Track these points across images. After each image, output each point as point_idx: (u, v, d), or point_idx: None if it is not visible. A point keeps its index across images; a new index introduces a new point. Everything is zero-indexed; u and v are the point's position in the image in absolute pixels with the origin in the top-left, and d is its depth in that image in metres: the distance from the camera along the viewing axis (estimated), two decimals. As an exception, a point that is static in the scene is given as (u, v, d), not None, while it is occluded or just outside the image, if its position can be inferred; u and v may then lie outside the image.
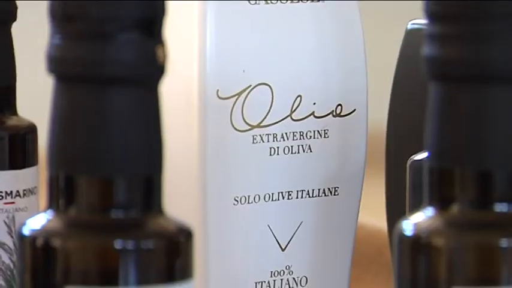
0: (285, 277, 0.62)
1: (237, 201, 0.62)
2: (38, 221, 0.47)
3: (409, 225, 0.46)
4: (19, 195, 0.67)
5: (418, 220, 0.46)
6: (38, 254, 0.46)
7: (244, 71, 0.62)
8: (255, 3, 0.61)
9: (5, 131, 0.68)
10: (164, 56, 0.46)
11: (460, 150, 0.46)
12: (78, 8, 0.46)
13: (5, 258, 0.69)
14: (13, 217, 0.65)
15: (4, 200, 0.69)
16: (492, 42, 0.44)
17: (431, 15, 0.46)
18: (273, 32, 0.63)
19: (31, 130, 0.67)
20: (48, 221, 0.46)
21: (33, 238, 0.46)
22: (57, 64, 0.46)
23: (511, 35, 0.45)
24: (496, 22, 0.45)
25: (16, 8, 0.72)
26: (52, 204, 0.47)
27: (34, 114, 0.71)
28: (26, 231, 0.46)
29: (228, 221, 0.62)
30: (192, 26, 0.60)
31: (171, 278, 0.46)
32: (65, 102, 0.46)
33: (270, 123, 0.62)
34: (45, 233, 0.46)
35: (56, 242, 0.46)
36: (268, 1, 0.62)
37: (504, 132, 0.45)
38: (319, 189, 0.63)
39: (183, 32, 0.59)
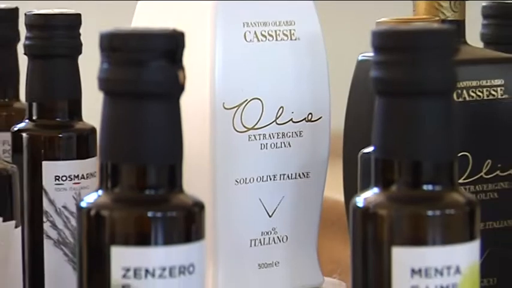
0: (271, 236, 0.63)
1: (238, 182, 0.63)
2: (91, 197, 0.47)
3: (360, 199, 0.47)
4: (83, 178, 0.67)
5: (367, 196, 0.47)
6: (91, 222, 0.46)
7: (242, 89, 0.63)
8: (251, 41, 0.61)
9: (74, 132, 0.68)
10: (184, 78, 0.46)
11: (397, 145, 0.47)
12: (121, 42, 0.45)
13: (73, 223, 0.67)
14: (79, 193, 0.65)
15: (73, 181, 0.69)
16: (420, 66, 0.45)
17: (377, 47, 0.47)
18: (263, 62, 0.63)
19: (92, 131, 0.68)
20: (99, 197, 0.46)
21: (88, 209, 0.46)
22: (106, 83, 0.46)
23: (434, 61, 0.45)
24: (423, 52, 0.45)
25: (81, 44, 0.71)
26: (102, 185, 0.47)
27: (93, 120, 0.69)
28: (83, 204, 0.46)
29: (230, 197, 0.62)
30: (205, 56, 0.61)
31: (188, 239, 0.46)
32: (111, 111, 0.46)
33: (261, 126, 0.63)
34: (97, 206, 0.46)
35: (105, 213, 0.46)
36: (260, 40, 0.61)
37: (430, 131, 0.46)
38: (296, 173, 0.64)
39: (199, 61, 0.60)
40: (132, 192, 0.47)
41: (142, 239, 0.45)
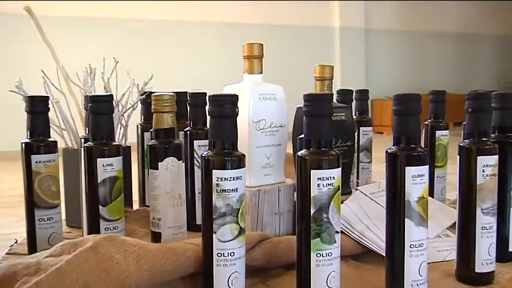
0: (268, 165, 0.57)
1: (257, 147, 0.57)
2: (205, 152, 0.42)
3: (300, 153, 0.42)
4: (206, 146, 0.63)
5: (302, 152, 0.42)
6: (206, 161, 0.42)
7: (258, 115, 0.57)
8: (262, 100, 0.57)
9: (203, 131, 0.64)
10: (238, 111, 0.42)
11: (313, 134, 0.42)
12: (215, 98, 0.42)
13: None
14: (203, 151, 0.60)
15: (203, 147, 0.63)
16: (321, 106, 0.41)
17: (305, 100, 0.42)
18: (266, 107, 0.57)
19: (208, 131, 0.61)
20: (208, 152, 0.42)
21: (204, 157, 0.42)
22: (210, 113, 0.42)
23: (325, 105, 0.41)
24: (321, 102, 0.41)
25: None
26: (209, 148, 0.43)
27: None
28: (203, 155, 0.42)
29: (255, 152, 0.57)
30: (245, 104, 0.56)
31: (239, 167, 0.41)
32: (213, 122, 0.42)
33: (265, 128, 0.57)
34: (207, 155, 0.42)
35: (210, 158, 0.41)
36: (265, 99, 0.57)
37: (324, 130, 0.41)
38: (277, 144, 0.59)
39: (243, 105, 0.56)
40: (219, 151, 0.42)
41: (223, 167, 0.41)
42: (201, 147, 0.64)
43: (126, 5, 2.73)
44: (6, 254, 0.57)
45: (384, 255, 0.44)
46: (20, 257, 0.50)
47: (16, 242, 0.61)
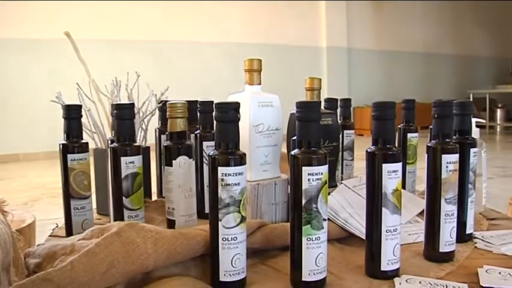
0: (267, 162, 0.56)
1: (257, 147, 0.56)
2: (212, 152, 0.41)
3: (293, 152, 0.41)
4: (213, 146, 0.58)
5: (294, 152, 0.41)
6: (213, 159, 0.40)
7: (257, 120, 0.56)
8: (260, 106, 0.55)
9: (211, 134, 0.60)
10: (239, 116, 0.41)
11: (304, 136, 0.41)
12: (220, 106, 0.40)
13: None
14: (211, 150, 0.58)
15: (210, 147, 0.61)
16: (310, 112, 0.40)
17: (297, 107, 0.41)
18: (264, 112, 0.56)
19: (214, 133, 0.59)
20: (214, 152, 0.41)
21: (210, 155, 0.41)
22: (217, 118, 0.41)
23: (313, 110, 0.40)
24: (310, 108, 0.40)
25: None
26: (215, 148, 0.41)
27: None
28: (209, 154, 0.40)
29: (254, 152, 0.56)
30: (246, 110, 0.55)
31: (242, 163, 0.40)
32: (218, 126, 0.41)
33: (264, 131, 0.56)
34: (214, 155, 0.41)
35: (215, 157, 0.40)
36: (263, 106, 0.56)
37: (313, 132, 0.40)
38: (273, 145, 0.57)
39: (245, 111, 0.55)
40: (224, 150, 0.41)
41: (227, 164, 0.40)
42: (208, 148, 0.63)
43: (146, 28, 2.76)
44: (49, 236, 0.58)
45: (364, 238, 0.44)
46: (59, 239, 0.50)
47: (57, 226, 0.62)
